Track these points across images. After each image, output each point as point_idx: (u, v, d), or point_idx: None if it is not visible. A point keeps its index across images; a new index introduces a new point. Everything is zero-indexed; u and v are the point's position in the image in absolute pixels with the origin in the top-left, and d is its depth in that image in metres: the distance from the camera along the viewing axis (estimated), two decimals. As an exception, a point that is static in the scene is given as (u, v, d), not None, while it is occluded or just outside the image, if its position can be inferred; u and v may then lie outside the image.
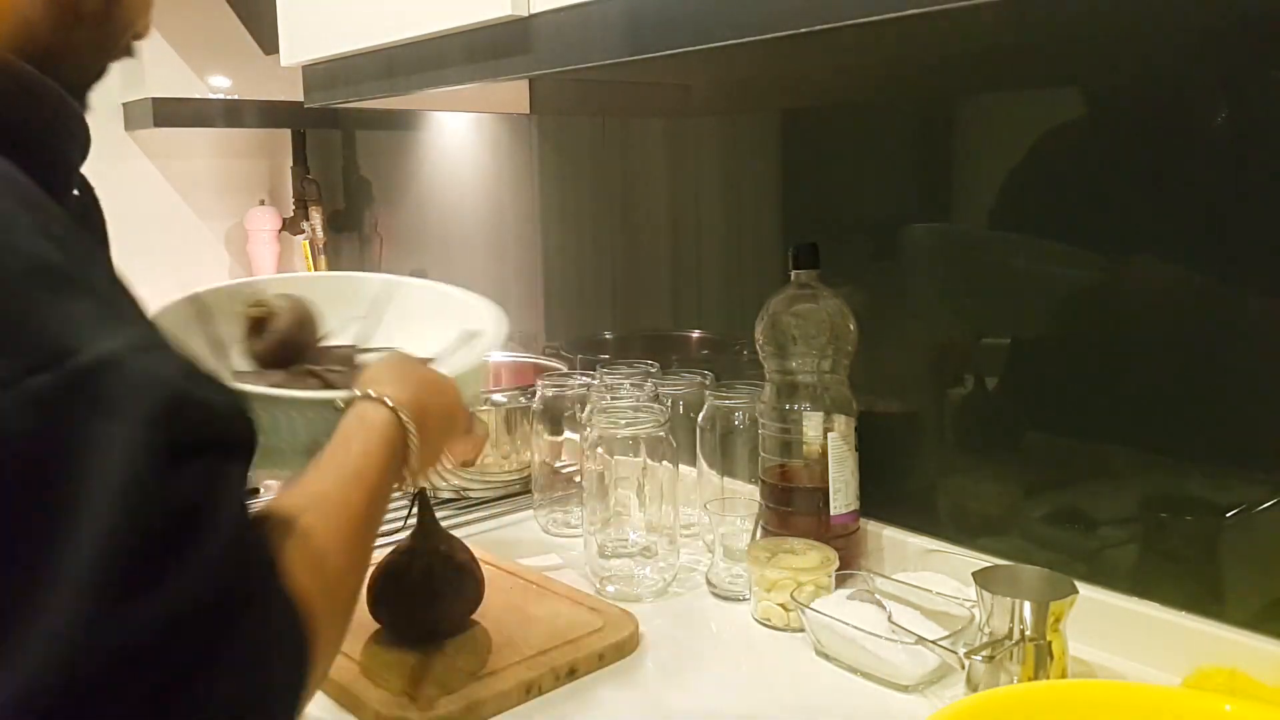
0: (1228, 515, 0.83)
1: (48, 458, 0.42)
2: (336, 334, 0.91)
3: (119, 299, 0.50)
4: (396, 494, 0.70)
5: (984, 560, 0.91)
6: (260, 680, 0.49)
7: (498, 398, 1.28)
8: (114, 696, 0.43)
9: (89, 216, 0.65)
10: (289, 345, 0.85)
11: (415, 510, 0.93)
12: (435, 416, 0.70)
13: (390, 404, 0.66)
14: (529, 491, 1.25)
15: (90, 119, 0.64)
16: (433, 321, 0.89)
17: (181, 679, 0.45)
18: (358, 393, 0.67)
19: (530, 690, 0.82)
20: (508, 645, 0.87)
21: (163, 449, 0.45)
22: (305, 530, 0.57)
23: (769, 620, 0.94)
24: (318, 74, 1.27)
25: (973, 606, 0.83)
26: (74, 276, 0.47)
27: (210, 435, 0.48)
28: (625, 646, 0.89)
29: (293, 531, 0.57)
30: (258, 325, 0.85)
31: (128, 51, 0.65)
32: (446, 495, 1.29)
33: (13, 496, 0.42)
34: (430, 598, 0.87)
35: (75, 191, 0.63)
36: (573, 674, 0.85)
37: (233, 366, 0.86)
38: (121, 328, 0.47)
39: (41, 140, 0.56)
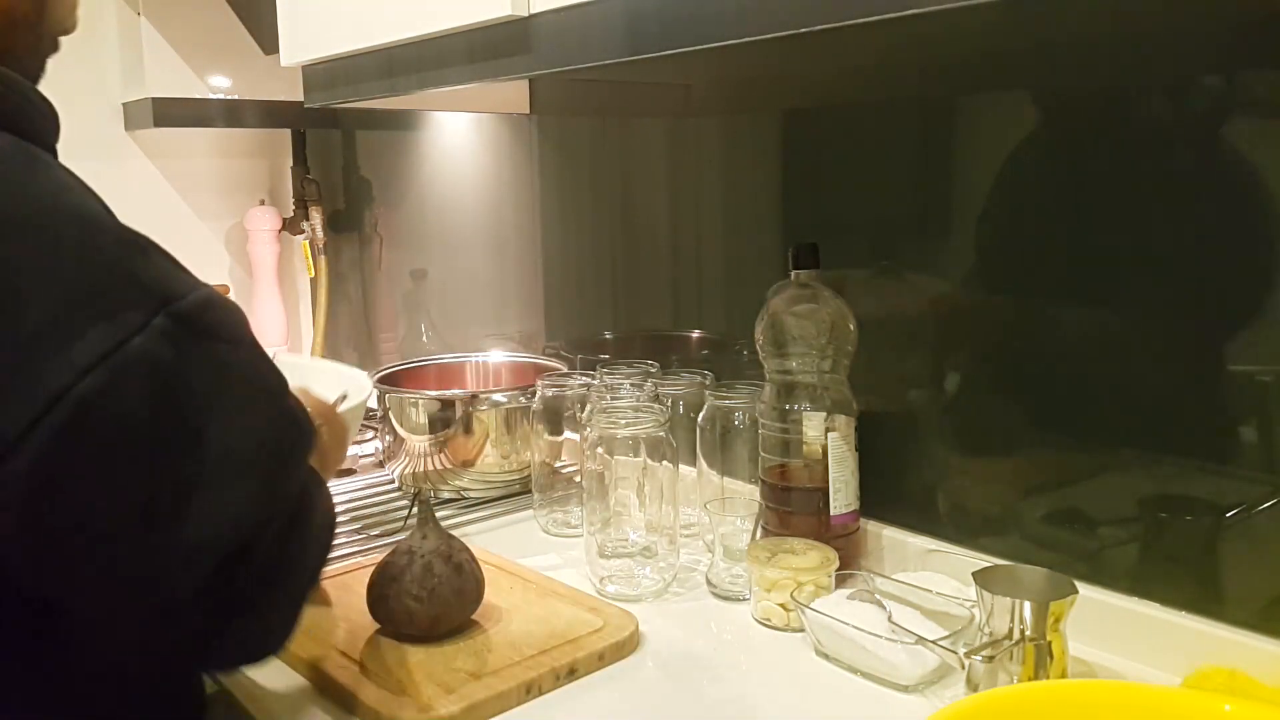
0: (1228, 515, 0.83)
1: (192, 373, 0.55)
2: None
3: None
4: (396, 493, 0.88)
5: (984, 560, 0.91)
6: (308, 569, 0.66)
7: (498, 398, 1.28)
8: (263, 545, 0.59)
9: None
10: None
11: (415, 510, 0.93)
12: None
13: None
14: (529, 491, 1.25)
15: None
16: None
17: (298, 533, 0.63)
18: None
19: (530, 690, 0.82)
20: (508, 645, 0.87)
21: (265, 357, 0.62)
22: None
23: (769, 620, 0.94)
24: (318, 74, 1.27)
25: (973, 606, 0.83)
26: (149, 242, 0.59)
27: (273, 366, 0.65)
28: (625, 646, 0.89)
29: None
30: None
31: (55, 48, 0.72)
32: (446, 495, 1.29)
33: (175, 405, 0.55)
34: (430, 598, 0.87)
35: None
36: (573, 674, 0.85)
37: None
38: (190, 276, 0.60)
39: (20, 127, 0.62)
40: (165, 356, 0.54)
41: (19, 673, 0.61)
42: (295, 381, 0.74)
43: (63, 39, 0.72)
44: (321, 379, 1.03)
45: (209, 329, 0.57)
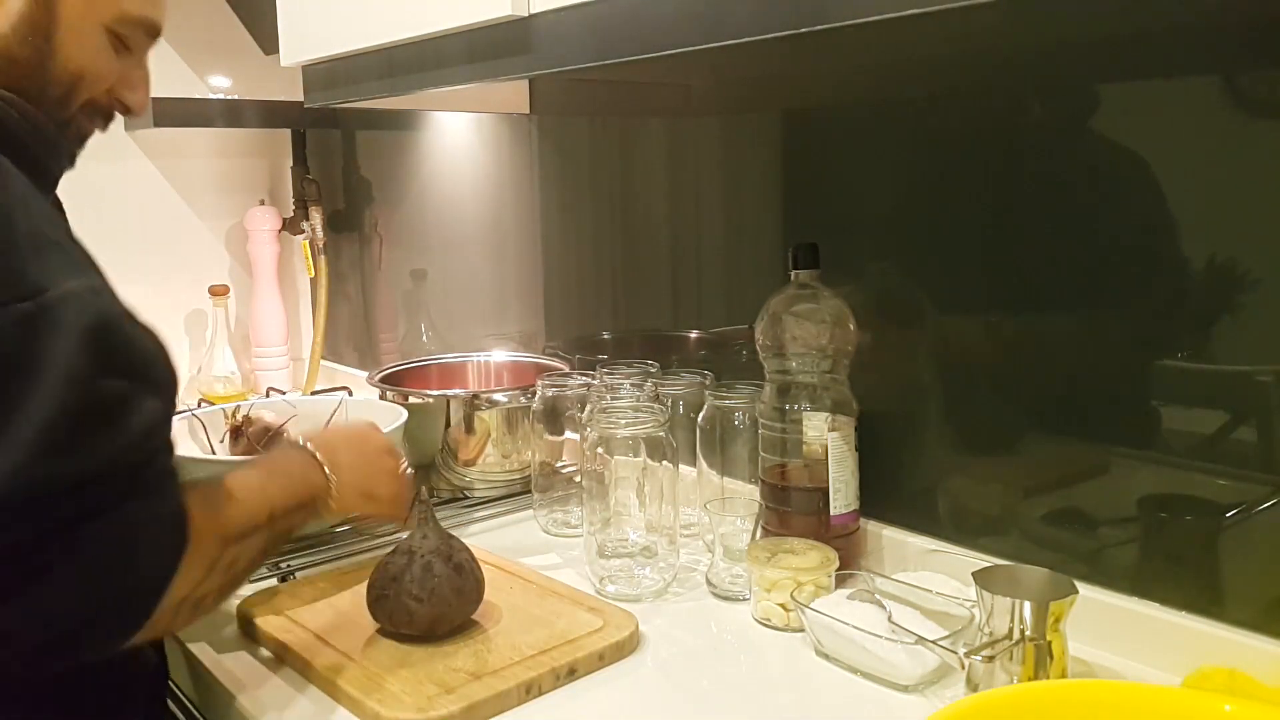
0: (1228, 515, 0.83)
1: (21, 358, 0.61)
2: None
3: (86, 260, 0.69)
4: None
5: (984, 560, 0.91)
6: (129, 552, 0.67)
7: (498, 397, 1.28)
8: (20, 522, 0.61)
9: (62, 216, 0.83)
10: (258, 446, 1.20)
11: (415, 509, 0.93)
12: (349, 457, 0.90)
13: (307, 445, 0.88)
14: (529, 491, 1.25)
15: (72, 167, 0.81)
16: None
17: (70, 526, 0.63)
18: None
19: (530, 690, 0.82)
20: (507, 645, 0.87)
21: (93, 360, 0.63)
22: (215, 486, 0.77)
23: (769, 620, 0.94)
24: (318, 74, 1.27)
25: (973, 606, 0.83)
26: (55, 240, 0.67)
27: (134, 363, 0.67)
28: (625, 646, 0.89)
29: (205, 483, 0.76)
30: (236, 432, 1.23)
31: (106, 116, 0.83)
32: (446, 495, 1.29)
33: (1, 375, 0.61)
34: (430, 598, 0.87)
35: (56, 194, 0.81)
36: (573, 674, 0.85)
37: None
38: (83, 277, 0.66)
39: (44, 164, 0.75)
40: (8, 336, 0.61)
41: None
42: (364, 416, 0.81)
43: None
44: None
45: (56, 321, 0.63)
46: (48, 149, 0.76)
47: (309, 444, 0.88)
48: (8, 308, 0.61)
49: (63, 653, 0.66)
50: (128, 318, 0.68)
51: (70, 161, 0.81)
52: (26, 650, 0.65)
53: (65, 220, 0.78)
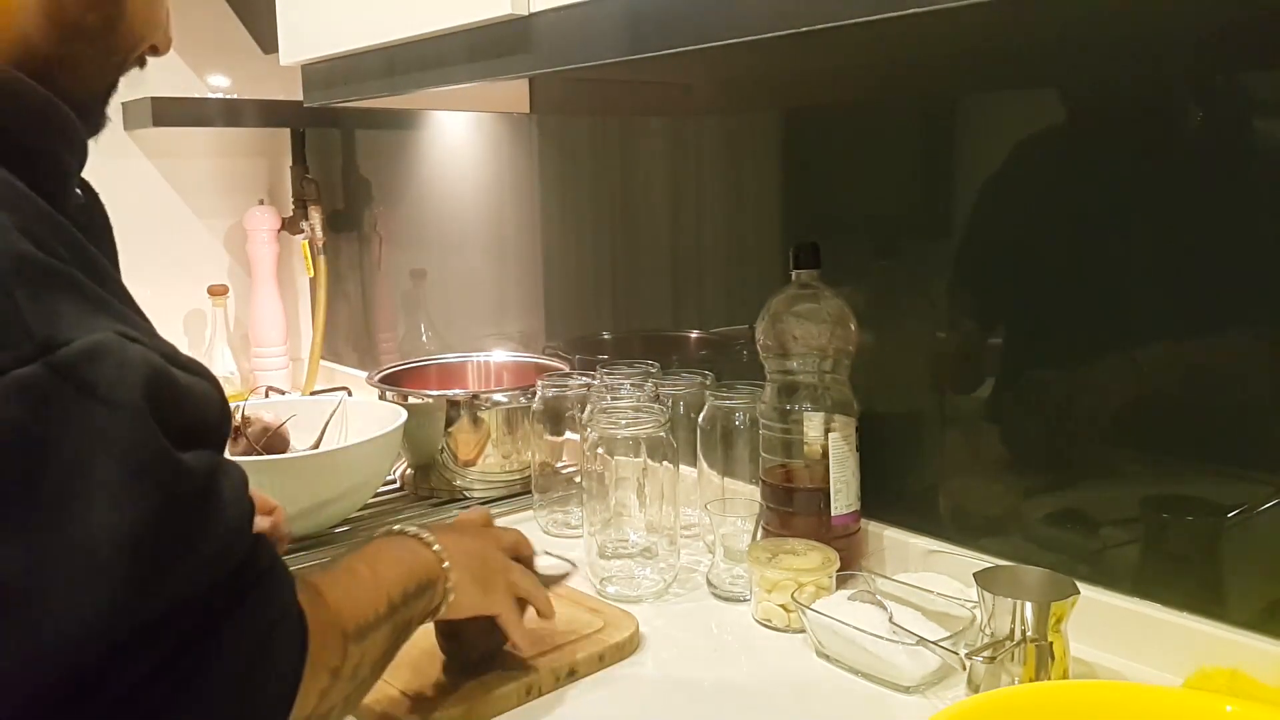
0: (1229, 516, 0.83)
1: (44, 441, 0.44)
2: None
3: (106, 294, 0.51)
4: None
5: (985, 561, 0.91)
6: (256, 664, 0.53)
7: (499, 398, 1.28)
8: (131, 663, 0.47)
9: (91, 219, 0.66)
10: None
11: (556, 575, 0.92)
12: (459, 540, 0.78)
13: (435, 547, 0.75)
14: (529, 492, 1.25)
15: (105, 127, 0.66)
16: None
17: (188, 648, 0.49)
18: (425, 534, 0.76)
19: (530, 691, 0.82)
20: (507, 646, 0.87)
21: (154, 433, 0.48)
22: (319, 576, 0.64)
23: (770, 621, 0.93)
24: (317, 73, 1.26)
25: (974, 607, 0.83)
26: (58, 272, 0.48)
27: (199, 425, 0.52)
28: (625, 648, 0.89)
29: (304, 575, 0.62)
30: (235, 432, 1.20)
31: (141, 63, 0.67)
32: (446, 496, 1.29)
33: (15, 481, 0.43)
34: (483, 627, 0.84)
35: (79, 193, 0.64)
36: (572, 675, 0.84)
37: None
38: (105, 320, 0.49)
39: (37, 148, 0.57)
40: (9, 416, 0.44)
41: None
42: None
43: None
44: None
45: (88, 384, 0.46)
46: (58, 137, 0.60)
47: (412, 528, 0.77)
48: (6, 375, 0.44)
49: None
50: (173, 362, 0.52)
51: (95, 130, 0.65)
52: None
53: (95, 231, 0.65)
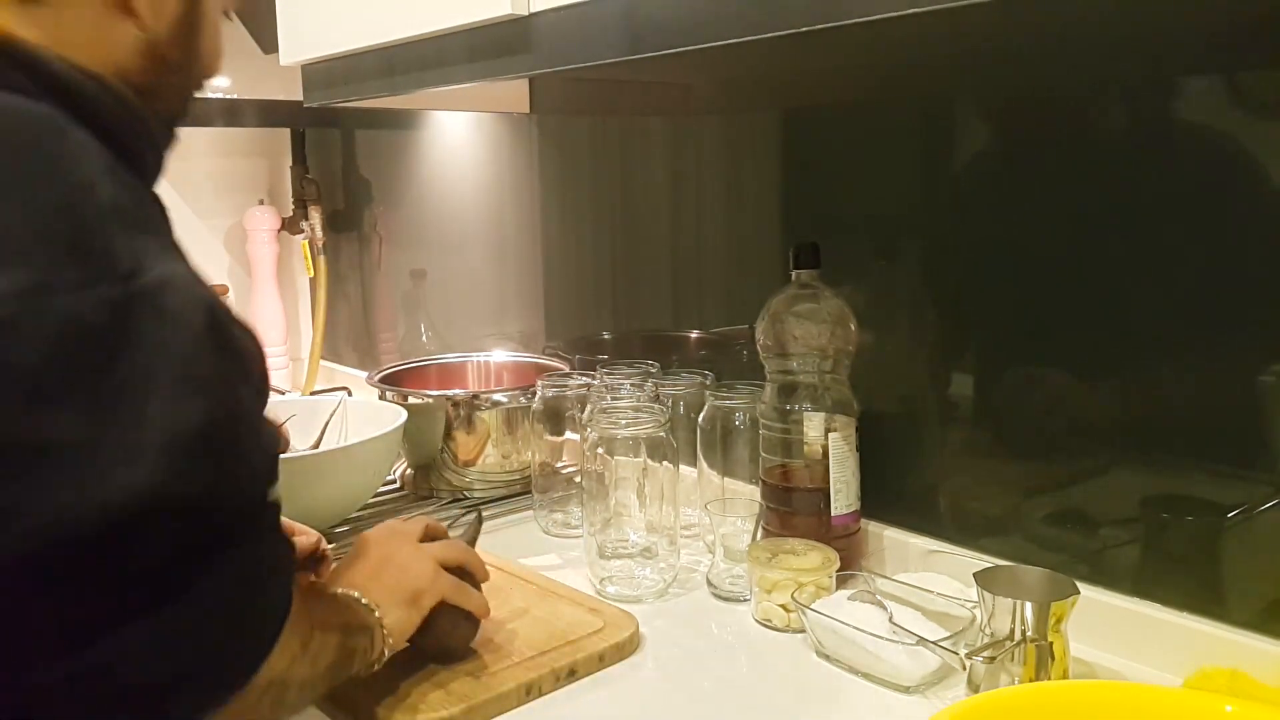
0: (1229, 516, 0.83)
1: (119, 346, 0.53)
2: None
3: (177, 245, 0.61)
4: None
5: (985, 561, 0.91)
6: (254, 592, 0.60)
7: (499, 397, 1.28)
8: (159, 541, 0.54)
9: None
10: None
11: (467, 524, 0.92)
12: (377, 577, 0.80)
13: (357, 595, 0.78)
14: (529, 492, 1.25)
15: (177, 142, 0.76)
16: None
17: (209, 552, 0.56)
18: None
19: (530, 691, 0.82)
20: (507, 646, 0.87)
21: (213, 357, 0.57)
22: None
23: (769, 621, 0.93)
24: (317, 73, 1.26)
25: (974, 607, 0.83)
26: (143, 219, 0.58)
27: (248, 368, 0.61)
28: (625, 648, 0.89)
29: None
30: None
31: (199, 88, 0.78)
32: (446, 496, 1.29)
33: (91, 370, 0.52)
34: (471, 617, 0.85)
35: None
36: (573, 675, 0.84)
37: None
38: (178, 262, 0.58)
39: (133, 150, 0.66)
40: (95, 321, 0.52)
41: None
42: None
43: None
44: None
45: (161, 310, 0.55)
46: (143, 141, 0.68)
47: (339, 589, 0.79)
48: (94, 290, 0.53)
49: (144, 709, 0.57)
50: (230, 314, 0.61)
51: (169, 145, 0.74)
52: (110, 695, 0.55)
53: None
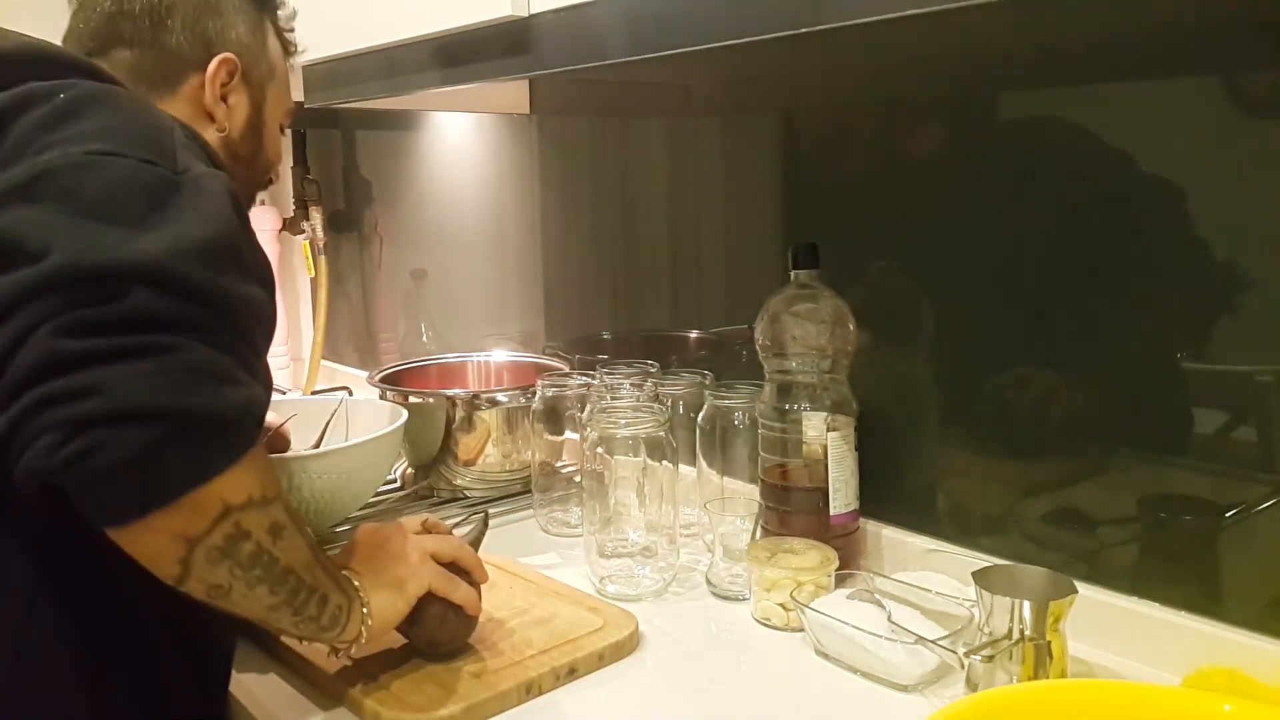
0: (1227, 515, 0.83)
1: (163, 201, 0.66)
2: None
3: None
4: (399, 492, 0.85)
5: (984, 560, 0.91)
6: (231, 386, 0.65)
7: (498, 397, 1.28)
8: (170, 297, 0.63)
9: None
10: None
11: (473, 526, 0.91)
12: (385, 580, 0.81)
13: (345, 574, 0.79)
14: (529, 491, 1.25)
15: None
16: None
17: (201, 329, 0.64)
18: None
19: (530, 690, 0.82)
20: (508, 645, 0.87)
21: (238, 219, 0.70)
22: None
23: (769, 620, 0.94)
24: (318, 74, 1.27)
25: (972, 606, 0.83)
26: (200, 152, 0.74)
27: (252, 246, 0.73)
28: (625, 646, 0.89)
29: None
30: None
31: (264, 185, 0.99)
32: (446, 495, 1.29)
33: (138, 207, 0.65)
34: (460, 614, 0.85)
35: None
36: (573, 674, 0.85)
37: None
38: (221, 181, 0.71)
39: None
40: (149, 182, 0.66)
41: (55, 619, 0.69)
42: None
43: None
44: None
45: (201, 187, 0.69)
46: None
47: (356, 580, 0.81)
48: (155, 167, 0.67)
49: (115, 455, 0.60)
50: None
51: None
52: (81, 419, 0.59)
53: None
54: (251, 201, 0.95)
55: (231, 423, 0.65)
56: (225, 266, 0.67)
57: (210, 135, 0.87)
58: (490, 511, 1.23)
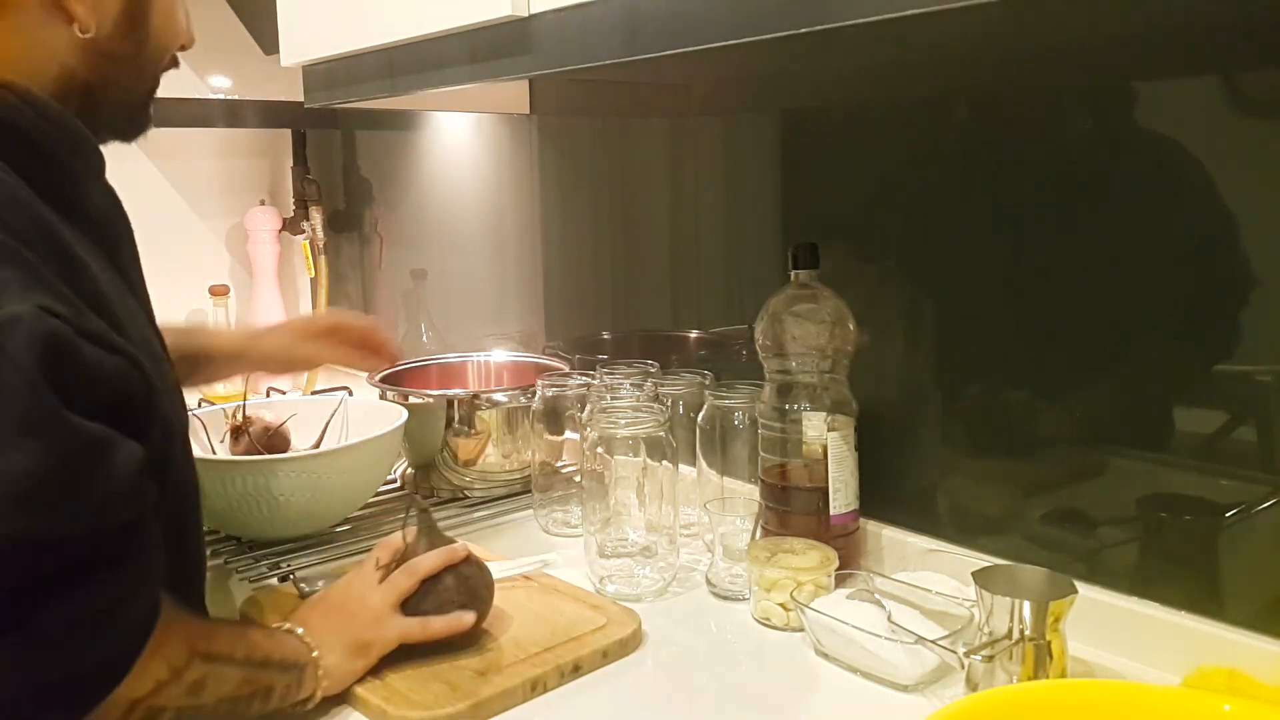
0: (1227, 515, 0.83)
1: None
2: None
3: (54, 274, 0.61)
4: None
5: (984, 560, 0.91)
6: (98, 627, 0.60)
7: (498, 397, 1.28)
8: None
9: (110, 220, 0.78)
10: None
11: (409, 518, 0.91)
12: (327, 621, 0.81)
13: (300, 632, 0.79)
14: (529, 491, 1.25)
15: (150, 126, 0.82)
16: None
17: (42, 586, 0.57)
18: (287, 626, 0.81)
19: (535, 687, 0.82)
20: (512, 643, 0.88)
21: (50, 395, 0.56)
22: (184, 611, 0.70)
23: (769, 620, 0.94)
24: (318, 74, 1.27)
25: (972, 606, 0.83)
26: (11, 252, 0.59)
27: (102, 392, 0.61)
28: (628, 644, 0.89)
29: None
30: (236, 431, 1.22)
31: (174, 64, 0.80)
32: (446, 495, 1.29)
33: None
34: (473, 599, 0.86)
35: (96, 200, 0.75)
36: (577, 671, 0.85)
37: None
38: (38, 294, 0.58)
39: (56, 157, 0.68)
40: None
41: None
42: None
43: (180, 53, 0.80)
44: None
45: (2, 349, 0.56)
46: (70, 145, 0.70)
47: (286, 625, 0.81)
48: None
49: None
50: (92, 339, 0.61)
51: (140, 131, 0.78)
52: None
53: (111, 230, 0.76)
54: (153, 88, 0.77)
55: (119, 647, 0.62)
56: (62, 483, 0.57)
57: (64, 41, 0.69)
58: (488, 511, 1.24)
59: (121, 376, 0.63)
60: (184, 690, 0.67)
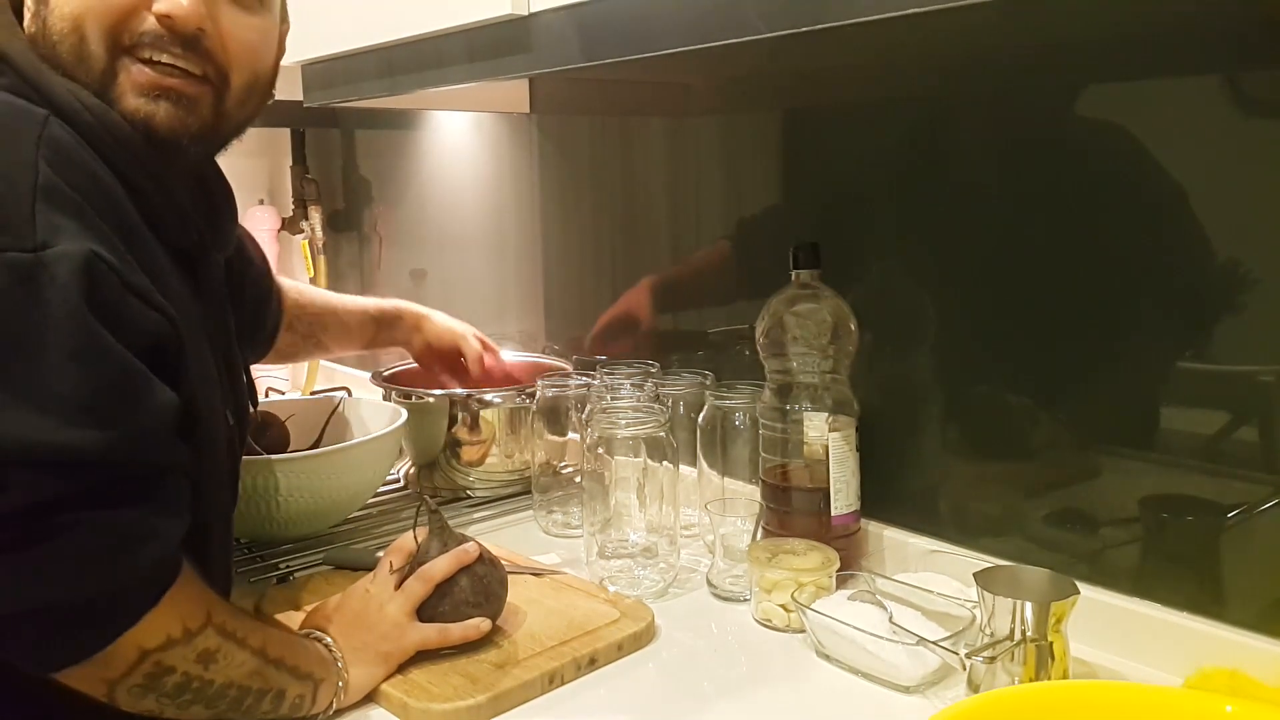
0: (1229, 516, 0.83)
1: (16, 310, 0.59)
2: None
3: (113, 228, 0.65)
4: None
5: (985, 561, 0.91)
6: (129, 555, 0.62)
7: (498, 397, 1.28)
8: (44, 482, 0.58)
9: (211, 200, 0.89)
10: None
11: (421, 520, 0.91)
12: (348, 629, 0.82)
13: (327, 642, 0.81)
14: (529, 492, 1.25)
15: None
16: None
17: (85, 503, 0.60)
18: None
19: (553, 680, 0.83)
20: (528, 637, 0.88)
21: (96, 322, 0.60)
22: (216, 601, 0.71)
23: (769, 621, 0.93)
24: (317, 73, 1.26)
25: (974, 607, 0.83)
26: (70, 199, 0.63)
27: (140, 340, 0.64)
28: (643, 637, 0.90)
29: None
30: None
31: (160, 50, 0.78)
32: (448, 495, 1.29)
33: None
34: (488, 599, 0.87)
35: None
36: (593, 664, 0.86)
37: None
38: (91, 242, 0.62)
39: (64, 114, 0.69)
40: (3, 282, 0.58)
41: None
42: None
43: None
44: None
45: (53, 276, 0.60)
46: (121, 149, 0.70)
47: (316, 632, 0.82)
48: (4, 255, 0.59)
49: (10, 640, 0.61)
50: (135, 292, 0.64)
51: (176, 154, 0.75)
52: None
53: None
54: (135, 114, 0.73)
55: (134, 587, 0.63)
56: (101, 407, 0.60)
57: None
58: (489, 511, 1.24)
59: (158, 329, 0.66)
60: (194, 656, 0.67)
